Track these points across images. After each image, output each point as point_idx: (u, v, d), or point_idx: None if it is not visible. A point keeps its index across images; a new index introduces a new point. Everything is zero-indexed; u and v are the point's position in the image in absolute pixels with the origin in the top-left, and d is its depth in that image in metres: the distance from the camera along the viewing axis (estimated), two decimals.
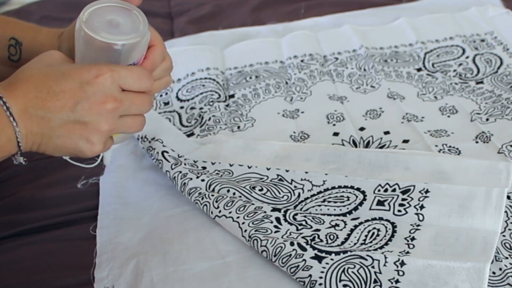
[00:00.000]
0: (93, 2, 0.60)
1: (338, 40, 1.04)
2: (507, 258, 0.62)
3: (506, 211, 0.66)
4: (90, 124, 0.57)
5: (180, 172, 0.73)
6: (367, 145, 0.80)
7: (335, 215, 0.68)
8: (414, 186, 0.68)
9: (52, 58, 0.60)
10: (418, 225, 0.65)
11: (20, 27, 0.75)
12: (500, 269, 0.60)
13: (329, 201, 0.69)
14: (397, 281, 0.58)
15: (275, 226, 0.66)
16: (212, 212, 0.69)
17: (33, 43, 0.73)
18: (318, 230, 0.65)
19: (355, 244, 0.63)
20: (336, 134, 0.82)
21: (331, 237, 0.64)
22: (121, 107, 0.58)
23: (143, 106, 0.61)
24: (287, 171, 0.73)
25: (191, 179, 0.72)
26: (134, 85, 0.59)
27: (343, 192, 0.70)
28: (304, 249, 0.62)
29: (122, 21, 0.59)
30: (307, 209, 0.69)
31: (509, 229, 0.65)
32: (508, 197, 0.68)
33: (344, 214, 0.68)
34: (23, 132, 0.57)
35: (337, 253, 0.61)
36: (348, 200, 0.69)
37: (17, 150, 0.58)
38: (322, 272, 0.60)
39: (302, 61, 0.98)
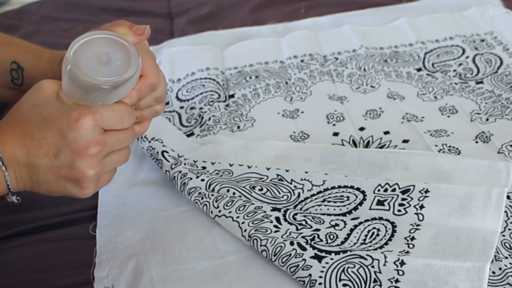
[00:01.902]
0: (84, 34, 0.58)
1: (338, 40, 1.04)
2: (507, 257, 0.62)
3: (506, 211, 0.66)
4: (75, 169, 0.57)
5: (180, 172, 0.73)
6: (367, 145, 0.80)
7: (335, 215, 0.68)
8: (414, 186, 0.68)
9: (41, 95, 0.58)
10: (418, 225, 0.65)
11: (22, 50, 0.74)
12: (500, 268, 0.60)
13: (329, 201, 0.69)
14: (397, 281, 0.58)
15: (275, 226, 0.66)
16: (212, 212, 0.69)
17: (35, 69, 0.73)
18: (318, 229, 0.65)
19: (355, 243, 0.63)
20: (336, 134, 0.82)
21: (331, 236, 0.64)
22: (105, 149, 0.58)
23: (127, 141, 0.61)
24: (287, 171, 0.73)
25: (191, 178, 0.72)
26: (117, 125, 0.58)
27: (343, 192, 0.70)
28: (304, 249, 0.62)
29: (112, 57, 0.57)
30: (307, 209, 0.69)
31: (509, 229, 0.65)
32: (508, 197, 0.68)
33: (344, 214, 0.68)
34: (12, 176, 0.58)
35: (337, 253, 0.61)
36: (348, 200, 0.69)
37: (8, 192, 0.59)
38: (322, 271, 0.60)
39: (302, 61, 0.98)
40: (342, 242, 0.64)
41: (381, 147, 0.79)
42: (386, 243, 0.63)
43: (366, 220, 0.66)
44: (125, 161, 0.62)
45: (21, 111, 0.58)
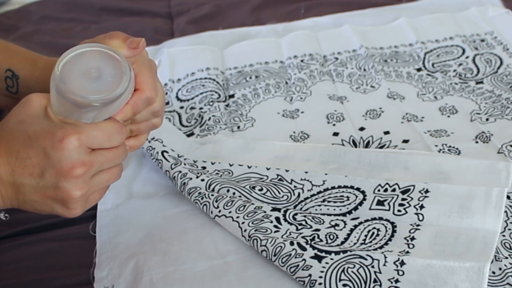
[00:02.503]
0: (74, 47, 0.55)
1: (338, 40, 1.04)
2: (506, 258, 0.62)
3: (506, 211, 0.66)
4: (60, 190, 0.55)
5: (180, 172, 0.73)
6: (367, 145, 0.80)
7: (335, 215, 0.68)
8: (414, 186, 0.68)
9: (28, 110, 0.56)
10: (418, 225, 0.65)
11: (18, 58, 0.72)
12: (500, 268, 0.60)
13: (329, 201, 0.69)
14: (396, 281, 0.58)
15: (275, 226, 0.66)
16: (212, 212, 0.69)
17: (29, 78, 0.71)
18: (318, 230, 0.65)
19: (355, 244, 0.63)
20: (336, 134, 0.82)
21: (331, 237, 0.64)
22: (92, 169, 0.55)
23: (117, 159, 0.58)
24: (287, 171, 0.73)
25: (191, 178, 0.72)
26: (105, 144, 0.56)
27: (343, 192, 0.70)
28: (304, 249, 0.62)
29: (102, 72, 0.54)
30: (307, 209, 0.69)
31: (509, 229, 0.65)
32: (508, 197, 0.68)
33: (344, 214, 0.68)
34: None
35: (337, 253, 0.61)
36: (348, 200, 0.69)
37: None
38: (322, 271, 0.60)
39: (302, 61, 0.98)
40: (342, 242, 0.64)
41: (381, 147, 0.79)
42: (386, 243, 0.63)
43: (366, 220, 0.66)
44: (117, 179, 0.59)
45: (7, 128, 0.56)
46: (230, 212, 0.68)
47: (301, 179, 0.72)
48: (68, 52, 0.54)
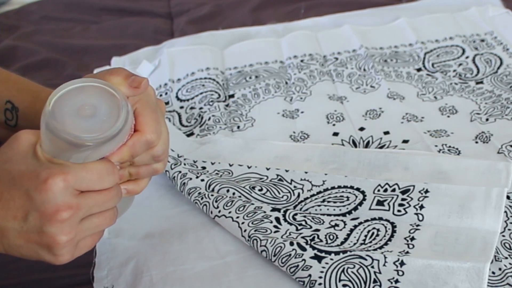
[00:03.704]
0: (68, 82, 0.51)
1: (338, 40, 1.04)
2: (506, 258, 0.62)
3: (506, 211, 0.66)
4: (45, 235, 0.50)
5: (180, 172, 0.73)
6: (366, 145, 0.80)
7: (334, 215, 0.68)
8: (413, 186, 0.68)
9: (15, 149, 0.52)
10: (417, 225, 0.65)
11: (19, 89, 0.70)
12: (500, 269, 0.60)
13: (328, 201, 0.69)
14: (396, 281, 0.58)
15: (275, 226, 0.66)
16: (211, 212, 0.69)
17: (30, 110, 0.68)
18: (317, 230, 0.65)
19: (354, 244, 0.63)
20: (336, 134, 0.82)
21: (331, 237, 0.64)
22: (79, 213, 0.51)
23: (108, 203, 0.53)
24: (286, 171, 0.73)
25: (190, 179, 0.72)
26: (94, 185, 0.51)
27: (342, 192, 0.70)
28: (304, 249, 0.62)
29: (97, 110, 0.51)
30: (306, 209, 0.69)
31: (509, 229, 0.65)
32: (508, 197, 0.68)
33: (343, 214, 0.68)
34: None
35: (336, 253, 0.61)
36: (348, 200, 0.69)
37: None
38: (322, 272, 0.60)
39: (302, 61, 0.98)
40: (342, 243, 0.64)
41: (381, 147, 0.79)
42: (386, 243, 0.63)
43: (366, 220, 0.66)
44: (110, 224, 0.54)
45: None
46: (230, 212, 0.68)
47: (301, 179, 0.72)
48: (61, 87, 0.51)
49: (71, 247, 0.52)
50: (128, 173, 0.59)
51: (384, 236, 0.64)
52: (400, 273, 0.59)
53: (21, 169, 0.51)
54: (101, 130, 0.50)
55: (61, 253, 0.52)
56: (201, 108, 0.89)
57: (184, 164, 0.75)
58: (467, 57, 0.96)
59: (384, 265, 0.60)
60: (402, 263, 0.59)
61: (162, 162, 0.60)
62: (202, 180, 0.72)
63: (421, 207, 0.66)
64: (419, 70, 0.95)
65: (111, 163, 0.53)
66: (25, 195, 0.50)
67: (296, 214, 0.68)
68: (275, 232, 0.65)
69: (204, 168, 0.75)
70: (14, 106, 0.68)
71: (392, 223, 0.65)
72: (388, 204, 0.67)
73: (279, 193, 0.71)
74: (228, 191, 0.71)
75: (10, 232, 0.51)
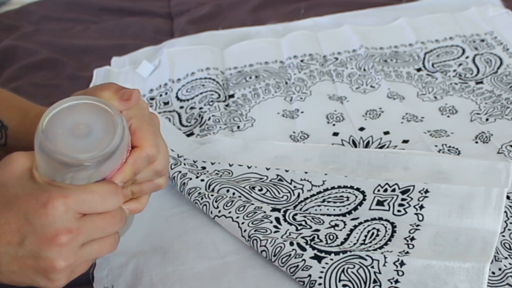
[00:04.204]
0: (60, 101, 0.50)
1: (338, 40, 1.04)
2: (506, 258, 0.62)
3: (505, 211, 0.66)
4: (42, 260, 0.48)
5: (180, 172, 0.73)
6: (366, 145, 0.80)
7: (334, 215, 0.68)
8: (413, 186, 0.68)
9: (9, 172, 0.50)
10: (417, 225, 0.65)
11: (8, 106, 0.68)
12: (500, 269, 0.60)
13: (328, 201, 0.69)
14: (396, 281, 0.58)
15: (275, 226, 0.66)
16: (211, 212, 0.69)
17: (19, 129, 0.66)
18: (317, 230, 0.65)
19: (354, 244, 0.63)
20: (335, 134, 0.82)
21: (331, 237, 0.64)
22: (79, 237, 0.49)
23: (111, 227, 0.51)
24: (286, 171, 0.73)
25: (190, 179, 0.72)
26: (97, 208, 0.49)
27: (342, 192, 0.70)
28: (304, 249, 0.62)
29: (92, 128, 0.49)
30: (306, 209, 0.69)
31: (509, 229, 0.65)
32: (508, 197, 0.68)
33: (343, 214, 0.68)
34: None
35: (336, 253, 0.61)
36: (348, 200, 0.69)
37: None
38: (322, 272, 0.60)
39: (302, 61, 0.98)
40: (342, 243, 0.64)
41: (381, 147, 0.79)
42: (386, 244, 0.63)
43: (366, 221, 0.66)
44: (110, 251, 0.52)
45: None
46: (230, 212, 0.68)
47: (301, 179, 0.72)
48: (53, 106, 0.49)
49: (68, 272, 0.50)
50: (131, 192, 0.57)
51: (384, 236, 0.64)
52: (400, 273, 0.59)
53: (17, 192, 0.49)
54: (98, 149, 0.48)
55: (57, 277, 0.49)
56: (201, 108, 0.89)
57: (184, 164, 0.75)
58: (467, 57, 0.96)
59: (384, 265, 0.60)
60: (402, 263, 0.59)
61: (164, 176, 0.58)
62: (202, 180, 0.72)
63: (421, 207, 0.66)
64: (419, 70, 0.95)
65: (114, 183, 0.51)
66: (22, 219, 0.48)
67: (296, 214, 0.68)
68: (275, 232, 0.65)
69: (204, 168, 0.75)
70: (3, 125, 0.67)
71: (392, 223, 0.65)
72: (388, 204, 0.67)
73: (279, 193, 0.71)
74: (228, 191, 0.71)
75: (2, 258, 0.49)
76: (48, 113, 0.49)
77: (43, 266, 0.48)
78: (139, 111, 0.55)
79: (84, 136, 0.48)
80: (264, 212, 0.68)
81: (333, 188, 0.70)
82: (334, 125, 0.84)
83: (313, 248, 0.62)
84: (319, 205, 0.69)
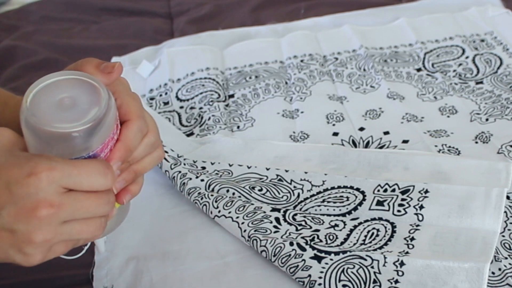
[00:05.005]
0: (42, 77, 0.49)
1: (338, 40, 1.04)
2: (506, 258, 0.62)
3: (505, 211, 0.66)
4: (19, 233, 0.46)
5: (180, 172, 0.73)
6: (366, 145, 0.80)
7: (334, 215, 0.68)
8: (413, 186, 0.68)
9: None
10: (417, 225, 0.65)
11: None
12: (500, 269, 0.60)
13: (328, 201, 0.69)
14: (396, 281, 0.58)
15: (275, 226, 0.66)
16: (211, 212, 0.69)
17: None
18: (317, 230, 0.65)
19: (354, 244, 0.63)
20: (335, 134, 0.82)
21: (331, 237, 0.64)
22: (60, 213, 0.46)
23: (95, 208, 0.48)
24: (286, 171, 0.73)
25: (190, 179, 0.72)
26: (82, 184, 0.47)
27: (342, 192, 0.70)
28: (304, 249, 0.62)
29: (76, 100, 0.48)
30: (306, 209, 0.69)
31: (509, 229, 0.65)
32: (508, 197, 0.68)
33: (343, 214, 0.68)
34: None
35: (336, 253, 0.61)
36: (348, 200, 0.69)
37: None
38: (322, 272, 0.60)
39: (302, 61, 0.98)
40: (342, 243, 0.64)
41: (381, 147, 0.79)
42: (385, 244, 0.63)
43: (366, 221, 0.66)
44: (93, 235, 0.49)
45: None
46: (229, 212, 0.68)
47: (301, 180, 0.72)
48: (37, 82, 0.48)
49: (45, 248, 0.47)
50: (133, 173, 0.55)
51: (384, 236, 0.64)
52: (400, 273, 0.59)
53: (1, 161, 0.46)
54: (85, 118, 0.47)
55: (33, 252, 0.47)
56: (201, 108, 0.89)
57: (184, 164, 0.75)
58: (467, 57, 0.96)
59: (384, 265, 0.60)
60: (402, 263, 0.59)
61: (159, 147, 0.56)
62: (202, 180, 0.72)
63: (421, 207, 0.66)
64: (419, 70, 0.95)
65: (105, 162, 0.49)
66: (3, 188, 0.45)
67: (296, 214, 0.68)
68: (275, 232, 0.65)
69: (204, 168, 0.75)
70: None
71: (392, 223, 0.65)
72: (388, 204, 0.67)
73: (279, 193, 0.71)
74: (228, 191, 0.71)
75: None
76: (32, 88, 0.48)
77: (20, 239, 0.46)
78: (121, 87, 0.54)
79: (70, 108, 0.47)
80: (264, 212, 0.68)
81: (333, 188, 0.70)
82: (334, 125, 0.84)
83: (313, 248, 0.62)
84: (319, 205, 0.69)
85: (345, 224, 0.66)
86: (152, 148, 0.55)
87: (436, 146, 0.77)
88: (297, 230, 0.65)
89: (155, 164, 0.56)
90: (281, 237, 0.64)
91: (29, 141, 0.48)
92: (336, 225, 0.66)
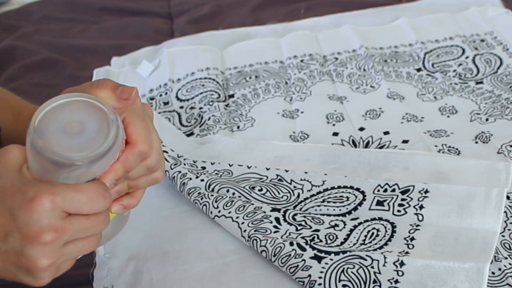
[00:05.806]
0: (54, 98, 0.48)
1: (338, 40, 1.04)
2: (506, 258, 0.62)
3: (505, 211, 0.66)
4: (25, 258, 0.47)
5: (180, 172, 0.73)
6: (366, 145, 0.80)
7: (334, 215, 0.68)
8: (413, 186, 0.68)
9: (2, 163, 0.48)
10: (417, 225, 0.65)
11: (2, 106, 0.66)
12: (500, 269, 0.60)
13: (328, 201, 0.69)
14: (396, 281, 0.58)
15: (275, 226, 0.66)
16: (211, 212, 0.69)
17: (12, 129, 0.65)
18: (317, 230, 0.65)
19: (354, 244, 0.63)
20: (335, 134, 0.82)
21: (331, 237, 0.64)
22: (63, 237, 0.47)
23: (95, 228, 0.49)
24: (286, 171, 0.73)
25: (190, 179, 0.72)
26: (83, 208, 0.48)
27: (342, 192, 0.70)
28: (304, 249, 0.62)
29: (85, 126, 0.48)
30: (306, 209, 0.69)
31: (509, 229, 0.65)
32: (508, 197, 0.68)
33: (343, 214, 0.68)
34: None
35: (336, 253, 0.61)
36: (348, 200, 0.69)
37: None
38: (322, 272, 0.60)
39: (302, 61, 0.98)
40: (342, 243, 0.64)
41: (381, 147, 0.79)
42: (385, 244, 0.63)
43: (366, 221, 0.66)
44: (92, 249, 0.51)
45: None
46: (229, 212, 0.68)
47: (301, 180, 0.72)
48: (46, 103, 0.48)
49: (52, 270, 0.49)
50: (127, 187, 0.55)
51: (384, 236, 0.64)
52: (400, 273, 0.59)
53: (5, 184, 0.47)
54: (91, 148, 0.47)
55: (42, 275, 0.48)
56: (201, 108, 0.89)
57: (184, 164, 0.75)
58: (467, 57, 0.96)
59: (384, 265, 0.60)
60: (402, 263, 0.59)
61: (160, 170, 0.57)
62: (202, 180, 0.72)
63: (421, 207, 0.66)
64: (419, 70, 0.95)
65: (104, 185, 0.49)
66: (8, 214, 0.46)
67: (296, 214, 0.68)
68: (275, 232, 0.65)
69: (204, 168, 0.75)
70: None
71: (392, 223, 0.65)
72: (388, 204, 0.67)
73: (279, 193, 0.71)
74: (228, 191, 0.71)
75: None
76: (41, 110, 0.47)
77: (25, 264, 0.47)
78: (132, 106, 0.53)
79: (77, 134, 0.47)
80: (264, 212, 0.68)
81: (333, 188, 0.70)
82: (334, 125, 0.84)
83: (313, 248, 0.62)
84: (319, 205, 0.69)
85: (345, 224, 0.66)
86: (149, 171, 0.55)
87: (436, 146, 0.77)
88: (297, 230, 0.65)
89: (150, 185, 0.56)
90: (281, 237, 0.64)
91: (33, 162, 0.48)
92: (336, 225, 0.66)
